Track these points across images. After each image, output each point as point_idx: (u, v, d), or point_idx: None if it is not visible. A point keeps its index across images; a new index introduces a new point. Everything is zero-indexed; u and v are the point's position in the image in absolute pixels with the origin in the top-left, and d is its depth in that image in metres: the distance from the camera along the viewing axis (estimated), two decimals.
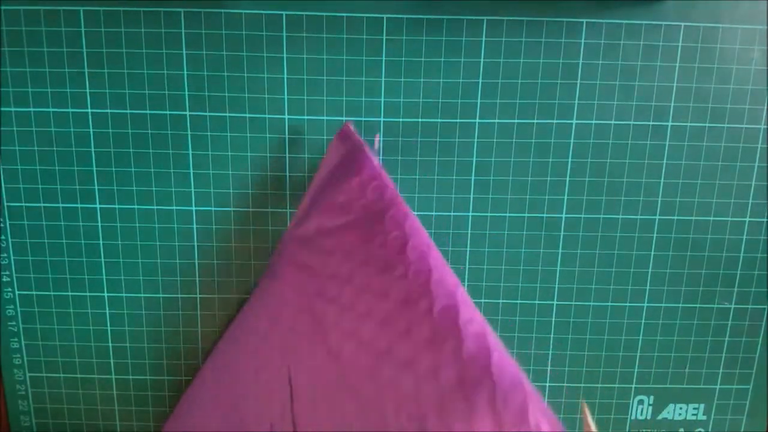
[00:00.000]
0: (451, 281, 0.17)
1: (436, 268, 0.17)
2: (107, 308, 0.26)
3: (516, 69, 0.24)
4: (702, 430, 0.27)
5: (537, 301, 0.26)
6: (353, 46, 0.23)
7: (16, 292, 0.26)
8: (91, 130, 0.24)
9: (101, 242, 0.25)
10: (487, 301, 0.26)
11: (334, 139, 0.22)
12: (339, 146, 0.22)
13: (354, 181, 0.20)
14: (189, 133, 0.24)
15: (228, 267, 0.26)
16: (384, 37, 0.23)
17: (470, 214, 0.25)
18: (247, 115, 0.24)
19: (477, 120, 0.24)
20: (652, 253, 0.25)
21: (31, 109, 0.24)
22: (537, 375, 0.27)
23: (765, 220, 0.25)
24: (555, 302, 0.26)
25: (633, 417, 0.27)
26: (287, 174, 0.25)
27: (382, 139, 0.24)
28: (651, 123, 0.24)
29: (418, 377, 0.15)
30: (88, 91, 0.24)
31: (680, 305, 0.26)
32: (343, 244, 0.19)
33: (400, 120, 0.24)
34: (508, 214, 0.25)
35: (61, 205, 0.25)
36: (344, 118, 0.24)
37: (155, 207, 0.25)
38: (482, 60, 0.24)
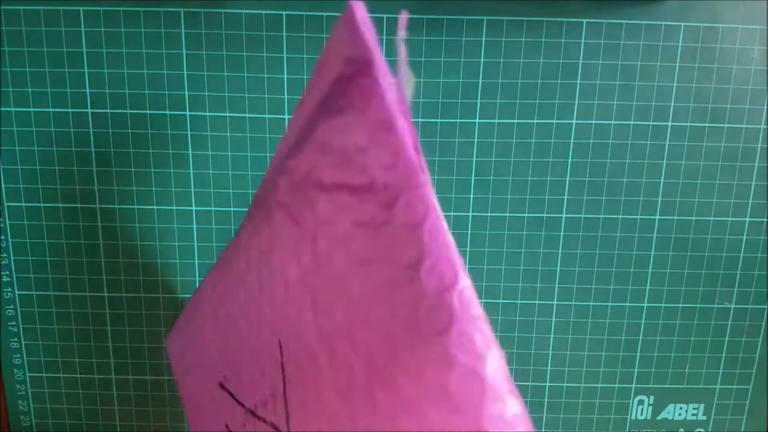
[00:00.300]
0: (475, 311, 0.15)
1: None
2: (107, 308, 0.26)
3: (516, 69, 0.24)
4: (702, 430, 0.27)
5: (537, 301, 0.26)
6: None
7: (16, 292, 0.26)
8: (91, 130, 0.24)
9: (101, 242, 0.25)
10: (487, 301, 0.26)
11: (336, 28, 0.17)
12: (342, 46, 0.17)
13: (360, 129, 0.15)
14: (189, 133, 0.24)
15: None
16: (384, 37, 0.23)
17: (470, 214, 0.25)
18: (247, 115, 0.24)
19: (477, 120, 0.24)
20: (652, 253, 0.25)
21: (31, 109, 0.24)
22: (537, 375, 0.27)
23: (765, 220, 0.25)
24: (555, 302, 0.26)
25: (633, 417, 0.27)
26: None
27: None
28: (651, 123, 0.24)
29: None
30: (88, 91, 0.24)
31: (680, 305, 0.26)
32: (339, 219, 0.16)
33: None
34: (508, 214, 0.25)
35: (61, 205, 0.25)
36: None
37: (155, 207, 0.25)
38: (482, 60, 0.24)
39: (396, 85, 0.15)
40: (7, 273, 0.26)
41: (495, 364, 0.13)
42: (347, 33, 0.16)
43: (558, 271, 0.26)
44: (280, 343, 0.18)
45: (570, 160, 0.25)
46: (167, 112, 0.24)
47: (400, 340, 0.15)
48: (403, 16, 0.15)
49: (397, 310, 0.15)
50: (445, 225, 0.14)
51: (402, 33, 0.15)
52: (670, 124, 0.24)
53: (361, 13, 0.16)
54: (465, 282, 0.14)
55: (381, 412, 0.15)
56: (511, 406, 0.13)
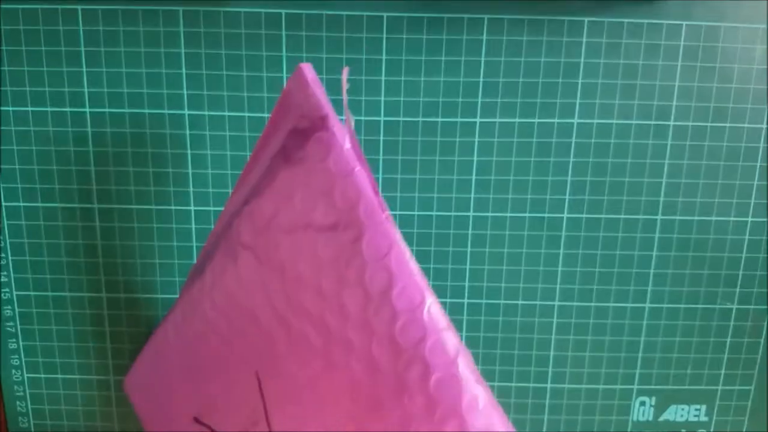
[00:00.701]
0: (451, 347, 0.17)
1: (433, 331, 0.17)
2: (105, 309, 0.26)
3: (517, 68, 0.24)
4: (704, 431, 0.27)
5: (538, 302, 0.26)
6: (353, 45, 0.23)
7: (14, 293, 0.26)
8: (90, 129, 0.24)
9: (99, 242, 0.25)
10: (488, 301, 0.26)
11: (288, 87, 0.18)
12: (291, 100, 0.18)
13: (321, 177, 0.17)
14: (188, 132, 0.24)
15: None
16: (384, 36, 0.23)
17: (471, 214, 0.25)
18: (246, 114, 0.24)
19: (478, 119, 0.24)
20: (654, 253, 0.25)
21: (29, 109, 0.24)
22: (538, 376, 0.26)
23: (767, 220, 0.25)
24: (556, 303, 0.26)
25: (635, 418, 0.27)
26: None
27: (382, 137, 0.24)
28: (653, 122, 0.24)
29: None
30: (86, 90, 0.24)
31: (682, 306, 0.26)
32: (307, 253, 0.18)
33: (401, 119, 0.24)
34: (509, 214, 0.25)
35: (59, 204, 0.25)
36: (344, 118, 0.24)
37: (153, 207, 0.25)
38: (483, 59, 0.23)
39: (349, 133, 0.17)
40: (5, 273, 0.26)
41: (464, 364, 0.16)
42: (299, 92, 0.17)
43: (559, 272, 0.25)
44: (257, 374, 0.19)
45: (571, 159, 0.24)
46: (166, 112, 0.24)
47: (380, 361, 0.16)
48: (345, 73, 0.17)
49: (374, 330, 0.16)
50: (408, 254, 0.17)
51: (345, 86, 0.17)
52: (672, 123, 0.24)
53: (311, 74, 0.18)
54: (431, 300, 0.16)
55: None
56: (482, 396, 0.16)
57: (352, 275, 0.17)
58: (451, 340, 0.16)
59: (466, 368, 0.16)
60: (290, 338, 0.18)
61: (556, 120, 0.24)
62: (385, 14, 0.23)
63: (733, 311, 0.26)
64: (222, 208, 0.25)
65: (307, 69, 0.17)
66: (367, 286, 0.16)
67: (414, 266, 0.17)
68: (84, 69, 0.24)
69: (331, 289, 0.17)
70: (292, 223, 0.18)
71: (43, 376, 0.27)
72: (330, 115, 0.17)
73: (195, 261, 0.26)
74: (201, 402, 0.21)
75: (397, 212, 0.25)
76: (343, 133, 0.17)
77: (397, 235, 0.17)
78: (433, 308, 0.16)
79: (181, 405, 0.22)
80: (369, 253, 0.16)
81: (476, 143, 0.24)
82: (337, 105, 0.24)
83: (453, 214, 0.25)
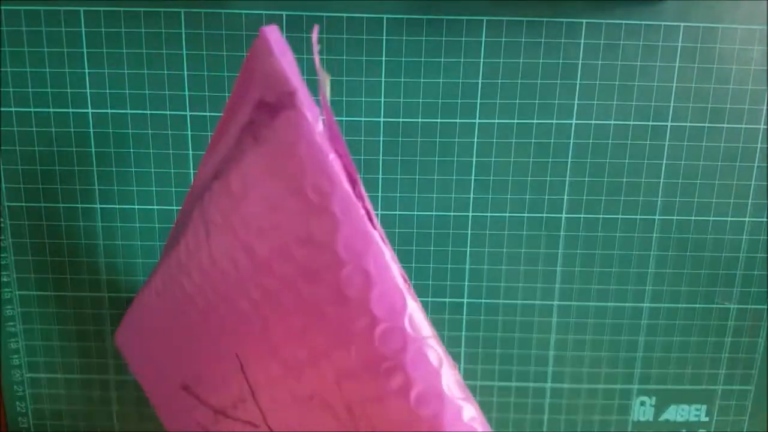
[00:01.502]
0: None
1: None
2: (107, 309, 0.26)
3: (516, 69, 0.24)
4: (704, 431, 0.27)
5: (537, 302, 0.26)
6: (353, 47, 0.23)
7: (16, 292, 0.26)
8: (92, 130, 0.24)
9: (101, 242, 0.25)
10: (487, 301, 0.26)
11: (251, 54, 0.16)
12: (255, 68, 0.16)
13: (291, 162, 0.15)
14: (189, 133, 0.24)
15: None
16: (384, 38, 0.23)
17: (470, 214, 0.25)
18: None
19: (477, 120, 0.24)
20: (653, 253, 0.25)
21: (32, 110, 0.24)
22: (538, 376, 0.27)
23: (765, 219, 0.25)
24: (555, 303, 0.26)
25: (635, 418, 0.27)
26: None
27: (382, 138, 0.24)
28: (650, 123, 0.24)
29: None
30: (88, 91, 0.24)
31: (681, 305, 0.26)
32: (277, 246, 0.16)
33: (400, 120, 0.24)
34: (508, 214, 0.25)
35: (61, 205, 0.25)
36: (344, 118, 0.24)
37: (155, 207, 0.25)
38: (482, 60, 0.24)
39: (324, 110, 0.15)
40: (7, 273, 0.26)
41: (448, 377, 0.15)
42: (263, 61, 0.15)
43: (558, 272, 0.26)
44: (237, 356, 0.18)
45: (570, 160, 0.25)
46: (167, 113, 0.24)
47: (358, 369, 0.15)
48: (315, 32, 0.15)
49: (352, 336, 0.15)
50: (389, 253, 0.15)
51: (316, 48, 0.15)
52: (669, 124, 0.24)
53: (276, 38, 0.15)
54: (413, 306, 0.15)
55: None
56: (468, 411, 0.15)
57: (327, 276, 0.15)
58: (434, 350, 0.15)
59: (451, 382, 0.15)
60: (265, 327, 0.17)
61: (554, 121, 0.24)
62: (384, 16, 0.23)
63: (732, 311, 0.26)
64: None
65: (271, 32, 0.15)
66: (344, 288, 0.15)
67: (395, 268, 0.15)
68: (86, 70, 0.24)
69: (306, 291, 0.16)
70: (261, 209, 0.16)
71: (43, 375, 0.27)
72: (299, 91, 0.15)
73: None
74: (187, 372, 0.21)
75: (397, 212, 0.25)
76: (315, 112, 0.15)
77: (376, 232, 0.15)
78: (415, 315, 0.15)
79: (169, 371, 0.21)
80: (344, 253, 0.15)
81: (475, 144, 0.24)
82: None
83: (452, 214, 0.25)
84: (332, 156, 0.15)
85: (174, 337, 0.21)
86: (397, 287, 0.15)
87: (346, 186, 0.15)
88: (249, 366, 0.18)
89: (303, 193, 0.15)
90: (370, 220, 0.15)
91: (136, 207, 0.25)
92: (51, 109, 0.24)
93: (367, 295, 0.15)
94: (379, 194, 0.25)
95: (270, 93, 0.15)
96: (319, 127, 0.15)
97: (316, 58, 0.15)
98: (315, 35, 0.15)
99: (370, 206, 0.15)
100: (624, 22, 0.23)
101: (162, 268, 0.21)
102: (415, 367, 0.15)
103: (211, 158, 0.18)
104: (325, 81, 0.15)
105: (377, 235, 0.15)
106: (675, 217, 0.25)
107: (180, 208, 0.20)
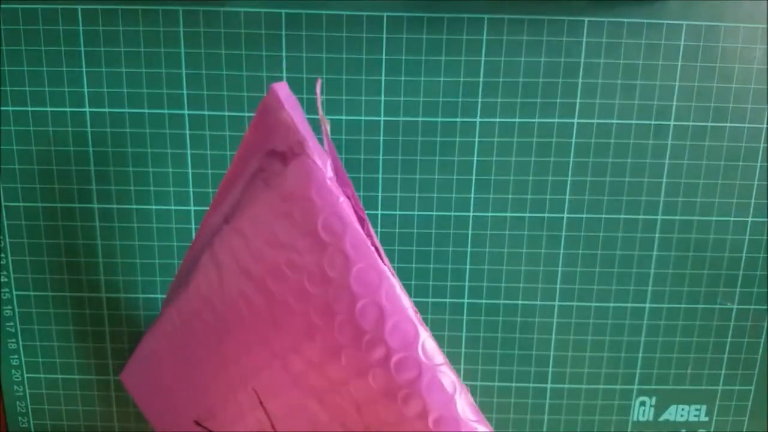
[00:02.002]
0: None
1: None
2: (105, 309, 0.26)
3: (517, 68, 0.24)
4: (704, 431, 0.27)
5: (538, 302, 0.26)
6: (353, 45, 0.23)
7: (14, 293, 0.26)
8: (89, 129, 0.24)
9: (99, 242, 0.25)
10: (488, 301, 0.26)
11: (262, 107, 0.17)
12: (265, 121, 0.17)
13: (299, 201, 0.16)
14: (187, 132, 0.24)
15: None
16: (384, 36, 0.23)
17: (471, 214, 0.25)
18: (246, 114, 0.24)
19: (478, 119, 0.24)
20: (654, 253, 0.25)
21: (29, 108, 0.24)
22: (538, 376, 0.26)
23: (767, 220, 0.25)
24: (557, 303, 0.26)
25: (635, 418, 0.27)
26: None
27: (382, 137, 0.24)
28: (653, 122, 0.24)
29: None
30: (86, 90, 0.24)
31: (682, 306, 0.26)
32: (293, 285, 0.17)
33: (401, 119, 0.24)
34: (509, 214, 0.25)
35: (59, 204, 0.25)
36: (344, 118, 0.24)
37: (153, 207, 0.25)
38: (483, 58, 0.23)
39: (331, 156, 0.16)
40: (5, 273, 0.26)
41: (463, 401, 0.16)
42: (274, 114, 0.16)
43: (559, 272, 0.25)
44: (255, 391, 0.19)
45: (571, 159, 0.24)
46: (165, 111, 0.24)
47: (376, 396, 0.16)
48: (318, 85, 0.17)
49: (369, 367, 0.16)
50: (399, 286, 0.16)
51: (319, 99, 0.16)
52: (672, 123, 0.24)
53: (285, 93, 0.17)
54: (425, 335, 0.16)
55: None
56: None
57: (342, 311, 0.16)
58: (448, 377, 0.16)
59: (465, 406, 0.16)
60: (285, 361, 0.18)
61: (556, 120, 0.24)
62: (385, 14, 0.23)
63: (734, 311, 0.26)
64: None
65: (281, 89, 0.17)
66: (359, 322, 0.16)
67: (406, 299, 0.16)
68: (84, 69, 0.24)
69: (323, 325, 0.17)
70: (273, 250, 0.17)
71: (42, 376, 0.27)
72: (308, 139, 0.16)
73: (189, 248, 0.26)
74: (199, 408, 0.21)
75: (397, 212, 0.25)
76: (324, 158, 0.16)
77: (386, 267, 0.16)
78: (427, 343, 0.16)
79: (180, 408, 0.22)
80: (358, 288, 0.16)
81: (476, 143, 0.24)
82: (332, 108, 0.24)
83: (453, 214, 0.25)
84: (342, 198, 0.16)
85: (185, 374, 0.21)
86: (409, 318, 0.16)
87: (357, 226, 0.16)
88: (268, 399, 0.19)
89: (315, 233, 0.16)
90: (380, 255, 0.16)
91: (134, 207, 0.25)
92: (48, 108, 0.24)
93: (382, 327, 0.16)
94: (379, 194, 0.25)
95: (281, 143, 0.16)
96: (329, 172, 0.16)
97: (321, 113, 0.16)
98: (318, 88, 0.17)
99: (377, 243, 0.16)
100: (626, 20, 0.23)
101: (171, 309, 0.21)
102: (431, 394, 0.16)
103: (220, 205, 0.19)
104: (326, 126, 0.16)
105: (388, 270, 0.16)
106: (677, 217, 0.25)
107: (187, 251, 0.21)
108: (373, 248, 0.16)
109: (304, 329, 0.17)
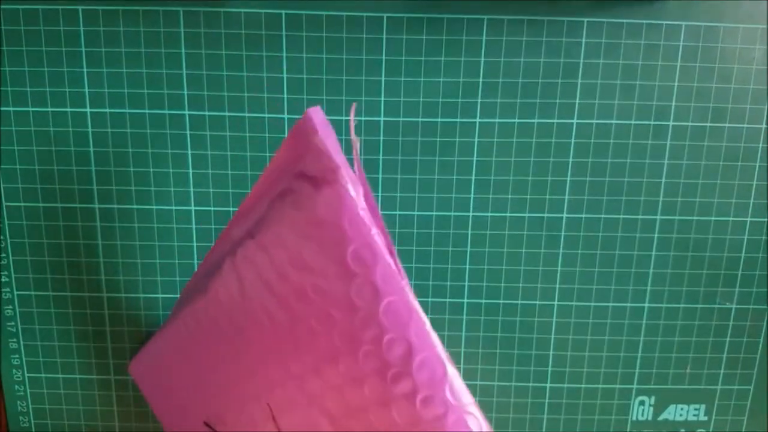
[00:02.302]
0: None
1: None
2: (106, 309, 0.26)
3: (516, 68, 0.24)
4: (703, 430, 0.27)
5: (538, 302, 0.26)
6: (353, 45, 0.23)
7: (15, 293, 0.26)
8: (90, 129, 0.24)
9: (100, 242, 0.25)
10: (487, 301, 0.26)
11: (296, 131, 0.17)
12: (298, 144, 0.17)
13: (330, 229, 0.16)
14: (188, 132, 0.24)
15: None
16: (384, 36, 0.23)
17: (471, 214, 0.25)
18: (247, 115, 0.24)
19: (477, 119, 0.24)
20: (653, 253, 0.25)
21: (30, 109, 0.24)
22: (538, 376, 0.27)
23: (766, 220, 0.25)
24: (556, 303, 0.26)
25: (634, 418, 0.27)
26: None
27: (382, 138, 0.24)
28: (652, 122, 0.24)
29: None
30: (86, 90, 0.24)
31: (681, 306, 0.26)
32: (317, 311, 0.17)
33: (400, 119, 0.24)
34: (508, 214, 0.25)
35: (59, 205, 0.25)
36: (344, 118, 0.24)
37: (154, 207, 0.25)
38: (483, 59, 0.23)
39: (363, 186, 0.16)
40: (6, 273, 0.26)
41: None
42: (308, 139, 0.16)
43: (559, 272, 0.26)
44: (269, 406, 0.19)
45: (571, 159, 0.24)
46: (166, 112, 0.24)
47: (400, 427, 0.16)
48: (353, 111, 0.17)
49: (393, 401, 0.16)
50: (427, 324, 0.16)
51: (353, 124, 0.16)
52: (671, 123, 0.24)
53: (319, 119, 0.16)
54: (453, 372, 0.16)
55: None
56: None
57: (367, 340, 0.16)
58: (474, 417, 0.16)
59: None
60: (301, 382, 0.18)
61: (555, 120, 0.24)
62: (385, 15, 0.23)
63: (733, 311, 0.26)
64: (221, 208, 0.25)
65: (316, 114, 0.16)
66: (385, 354, 0.16)
67: (435, 337, 0.16)
68: (84, 69, 0.24)
69: (345, 351, 0.16)
70: (300, 274, 0.17)
71: (43, 375, 0.27)
72: (342, 168, 0.16)
73: (196, 261, 0.26)
74: (209, 411, 0.21)
75: (397, 212, 0.25)
76: (357, 187, 0.16)
77: (415, 302, 0.16)
78: (455, 382, 0.16)
79: (189, 406, 0.22)
80: (386, 321, 0.16)
81: (476, 143, 0.24)
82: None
83: (453, 214, 0.25)
84: (375, 230, 0.16)
85: (197, 377, 0.21)
86: (437, 356, 0.16)
87: (389, 259, 0.16)
88: (281, 415, 0.19)
89: (344, 262, 0.16)
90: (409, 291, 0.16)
91: (135, 207, 0.25)
92: (49, 109, 0.24)
93: (409, 363, 0.16)
94: (379, 194, 0.25)
95: (313, 167, 0.16)
96: (362, 203, 0.16)
97: (354, 141, 0.16)
98: (353, 115, 0.17)
99: (406, 278, 0.16)
100: (625, 21, 0.23)
101: (187, 311, 0.21)
102: None
103: (244, 219, 0.19)
104: (357, 148, 0.16)
105: (418, 306, 0.16)
106: (676, 217, 0.25)
107: (205, 257, 0.21)
108: (403, 283, 0.16)
109: (327, 352, 0.17)
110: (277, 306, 0.17)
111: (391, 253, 0.16)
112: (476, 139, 0.24)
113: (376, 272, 0.16)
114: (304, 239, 0.17)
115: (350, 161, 0.17)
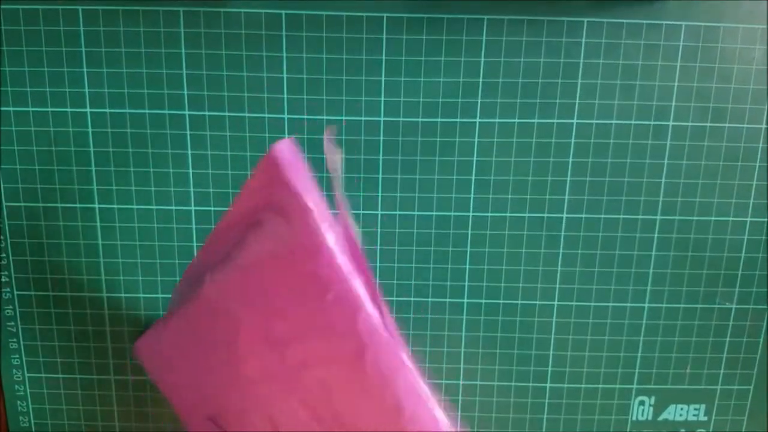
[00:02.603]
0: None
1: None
2: (106, 308, 0.26)
3: (516, 68, 0.24)
4: (703, 430, 0.27)
5: (538, 302, 0.26)
6: (353, 45, 0.23)
7: (15, 293, 0.26)
8: (90, 129, 0.24)
9: (100, 242, 0.25)
10: (487, 301, 0.26)
11: (260, 169, 0.17)
12: (266, 178, 0.17)
13: (305, 276, 0.16)
14: (188, 132, 0.24)
15: None
16: (384, 36, 0.23)
17: (471, 214, 0.25)
18: (247, 115, 0.24)
19: (477, 119, 0.24)
20: (653, 253, 0.25)
21: (30, 109, 0.24)
22: (538, 376, 0.27)
23: (766, 220, 0.25)
24: (556, 303, 0.26)
25: (634, 418, 0.27)
26: None
27: (382, 138, 0.24)
28: (652, 122, 0.24)
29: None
30: (86, 90, 0.24)
31: (681, 306, 0.26)
32: (314, 369, 0.17)
33: (400, 119, 0.24)
34: (508, 214, 0.25)
35: (59, 205, 0.25)
36: (344, 118, 0.24)
37: (154, 207, 0.25)
38: (483, 59, 0.24)
39: (342, 226, 0.15)
40: (6, 273, 0.26)
41: None
42: (276, 179, 0.16)
43: (559, 272, 0.26)
44: (271, 418, 0.19)
45: (571, 159, 0.24)
46: (166, 112, 0.24)
47: None
48: (327, 136, 0.17)
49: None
50: (417, 373, 0.16)
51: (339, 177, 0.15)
52: (671, 123, 0.24)
53: (288, 157, 0.16)
54: (444, 421, 0.16)
55: None
56: None
57: (355, 390, 0.16)
58: None
59: None
60: (302, 402, 0.18)
61: (555, 120, 0.24)
62: (385, 15, 0.23)
63: (732, 311, 0.26)
64: (221, 208, 0.25)
65: (282, 151, 0.16)
66: (379, 403, 0.16)
67: (424, 388, 0.16)
68: (85, 69, 0.24)
69: (338, 396, 0.16)
70: (281, 298, 0.17)
71: (43, 375, 0.27)
72: (314, 211, 0.15)
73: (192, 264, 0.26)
74: (213, 404, 0.21)
75: (397, 212, 0.25)
76: (334, 229, 0.15)
77: (404, 351, 0.15)
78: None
79: (194, 394, 0.22)
80: (374, 372, 0.15)
81: (476, 143, 0.24)
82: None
83: (453, 214, 0.25)
84: (351, 275, 0.15)
85: (202, 371, 0.21)
86: (427, 408, 0.16)
87: (369, 307, 0.15)
88: (282, 427, 0.19)
89: (325, 308, 0.16)
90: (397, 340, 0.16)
91: (135, 207, 0.25)
92: (49, 109, 0.24)
93: (400, 416, 0.16)
94: (379, 194, 0.25)
95: (280, 201, 0.16)
96: (337, 246, 0.15)
97: (337, 183, 0.16)
98: (327, 141, 0.17)
99: (394, 325, 0.16)
100: (625, 21, 0.23)
101: (191, 304, 0.21)
102: None
103: (214, 249, 0.19)
104: (343, 206, 0.16)
105: (406, 354, 0.16)
106: (676, 217, 0.25)
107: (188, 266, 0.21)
108: (387, 334, 0.16)
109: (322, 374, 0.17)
110: (269, 351, 0.17)
111: (374, 297, 0.15)
112: (476, 139, 0.24)
113: (358, 323, 0.15)
114: (277, 279, 0.16)
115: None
